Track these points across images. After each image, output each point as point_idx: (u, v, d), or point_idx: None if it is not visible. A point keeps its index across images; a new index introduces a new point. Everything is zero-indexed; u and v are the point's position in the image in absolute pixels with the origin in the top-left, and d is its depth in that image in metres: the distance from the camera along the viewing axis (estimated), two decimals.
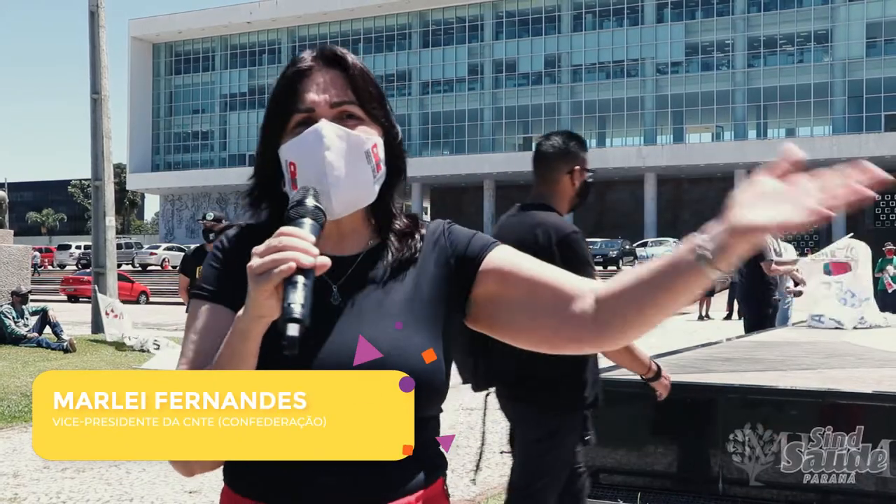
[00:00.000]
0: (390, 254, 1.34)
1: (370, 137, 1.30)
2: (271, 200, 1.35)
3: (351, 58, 1.33)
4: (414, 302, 1.30)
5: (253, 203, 1.38)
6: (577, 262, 2.98)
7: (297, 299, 1.06)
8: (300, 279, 1.08)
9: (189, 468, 1.23)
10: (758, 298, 8.79)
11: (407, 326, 1.28)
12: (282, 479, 1.22)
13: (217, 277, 1.32)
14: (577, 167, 3.27)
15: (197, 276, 7.34)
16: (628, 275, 1.25)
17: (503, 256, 1.35)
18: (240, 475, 1.26)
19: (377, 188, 1.32)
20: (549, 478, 3.12)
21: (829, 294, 8.12)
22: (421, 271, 1.34)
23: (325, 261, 1.11)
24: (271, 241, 1.10)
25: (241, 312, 1.15)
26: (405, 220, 1.38)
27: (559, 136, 3.31)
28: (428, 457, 1.29)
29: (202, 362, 1.23)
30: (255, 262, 1.10)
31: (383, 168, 1.32)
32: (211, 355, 1.21)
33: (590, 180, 3.33)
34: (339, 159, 1.25)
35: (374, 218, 1.37)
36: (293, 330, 1.04)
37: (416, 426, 1.23)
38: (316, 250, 1.10)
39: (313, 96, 1.29)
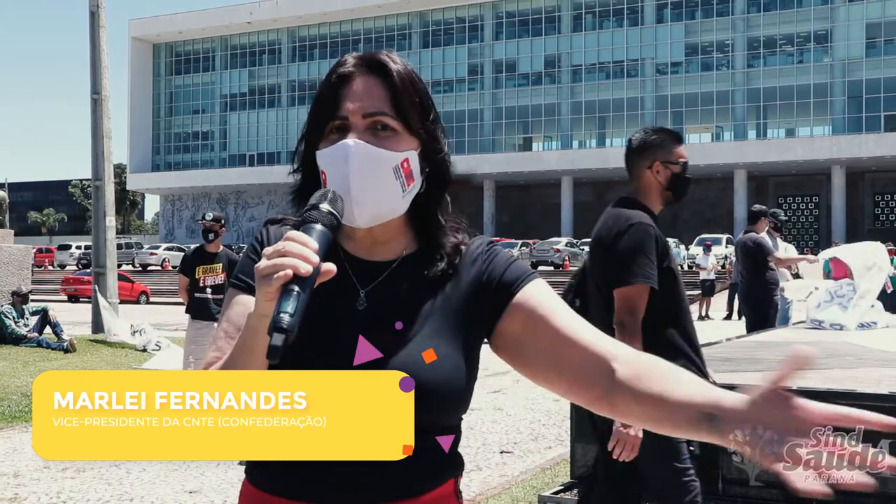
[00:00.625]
0: (425, 264, 1.34)
1: (399, 153, 1.28)
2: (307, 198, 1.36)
3: (394, 65, 1.32)
4: (437, 312, 1.31)
5: (295, 200, 1.38)
6: (625, 253, 3.02)
7: (287, 308, 1.06)
8: (295, 288, 1.08)
9: None
10: (759, 298, 8.80)
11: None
12: (300, 474, 1.24)
13: (246, 268, 1.34)
14: (659, 161, 3.21)
15: (196, 276, 7.33)
16: (655, 383, 1.24)
17: (536, 296, 1.33)
18: (259, 468, 1.30)
19: (407, 201, 1.31)
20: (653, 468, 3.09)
21: (827, 299, 8.12)
22: (454, 285, 1.34)
23: (329, 267, 1.11)
24: (278, 245, 1.11)
25: (252, 310, 1.17)
26: (457, 236, 1.37)
27: (642, 131, 3.27)
28: (440, 457, 1.30)
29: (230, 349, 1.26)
30: (261, 263, 1.11)
31: (416, 181, 1.31)
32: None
33: (680, 173, 3.30)
34: (362, 176, 1.25)
35: (414, 228, 1.37)
36: (277, 339, 1.04)
37: (433, 433, 1.27)
38: (316, 258, 1.10)
39: (348, 104, 1.29)
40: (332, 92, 1.30)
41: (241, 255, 1.45)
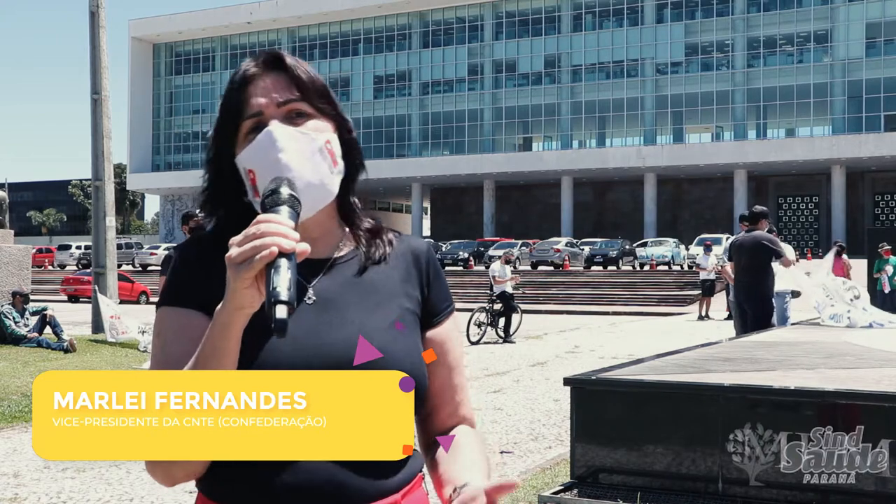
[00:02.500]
0: (363, 253, 1.34)
1: (323, 133, 1.29)
2: (226, 209, 1.34)
3: (289, 58, 1.33)
4: (394, 302, 1.32)
5: (210, 213, 1.37)
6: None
7: (283, 283, 1.03)
8: (283, 262, 1.05)
9: (171, 476, 1.21)
10: (768, 295, 8.84)
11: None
12: (260, 483, 1.20)
13: (179, 284, 1.29)
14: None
15: None
16: (441, 449, 1.34)
17: (447, 333, 1.40)
18: (216, 480, 1.24)
19: (337, 182, 1.30)
20: None
21: (835, 297, 8.25)
22: (398, 276, 1.36)
23: (306, 247, 1.08)
24: (249, 230, 1.07)
25: (219, 307, 1.12)
26: (368, 220, 1.39)
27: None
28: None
29: (174, 367, 1.20)
30: (233, 251, 1.07)
31: (340, 163, 1.31)
32: (182, 360, 1.18)
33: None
34: (294, 159, 1.23)
35: (340, 216, 1.37)
36: (281, 312, 1.01)
37: None
38: (296, 234, 1.08)
39: (259, 99, 1.28)
40: (238, 95, 1.30)
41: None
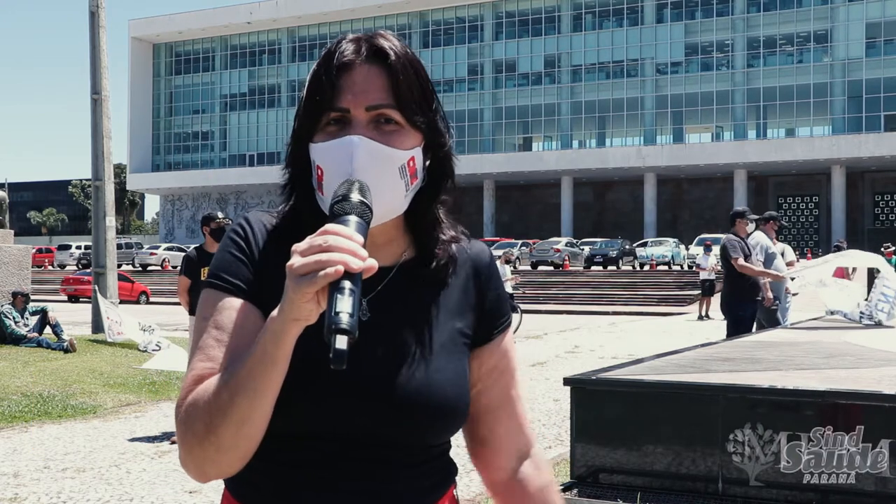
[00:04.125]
0: (426, 269, 1.26)
1: (405, 152, 1.19)
2: (301, 193, 1.25)
3: (396, 52, 1.22)
4: (442, 321, 1.25)
5: (288, 197, 1.27)
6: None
7: (345, 308, 0.95)
8: (347, 284, 0.97)
9: (204, 473, 1.16)
10: (726, 304, 8.74)
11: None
12: (290, 499, 1.18)
13: (238, 269, 1.21)
14: None
15: (201, 277, 7.25)
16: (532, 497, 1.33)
17: (507, 343, 1.34)
18: (246, 482, 1.21)
19: (408, 200, 1.22)
20: None
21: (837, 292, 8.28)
22: (456, 292, 1.29)
23: (373, 263, 1.00)
24: (316, 240, 1.00)
25: (275, 313, 1.05)
26: (451, 233, 1.30)
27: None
28: (441, 468, 1.27)
29: (223, 361, 1.14)
30: (296, 260, 0.99)
31: (419, 179, 1.23)
32: (233, 354, 1.13)
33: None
34: (368, 175, 1.14)
35: (411, 228, 1.28)
36: (342, 343, 0.94)
37: (433, 448, 1.24)
38: (364, 252, 1.00)
39: (349, 96, 1.18)
40: (328, 81, 1.19)
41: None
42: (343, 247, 0.98)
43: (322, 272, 0.97)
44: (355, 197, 1.07)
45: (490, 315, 1.31)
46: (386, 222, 1.21)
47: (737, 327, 8.52)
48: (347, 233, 1.00)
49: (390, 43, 1.23)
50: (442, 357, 1.22)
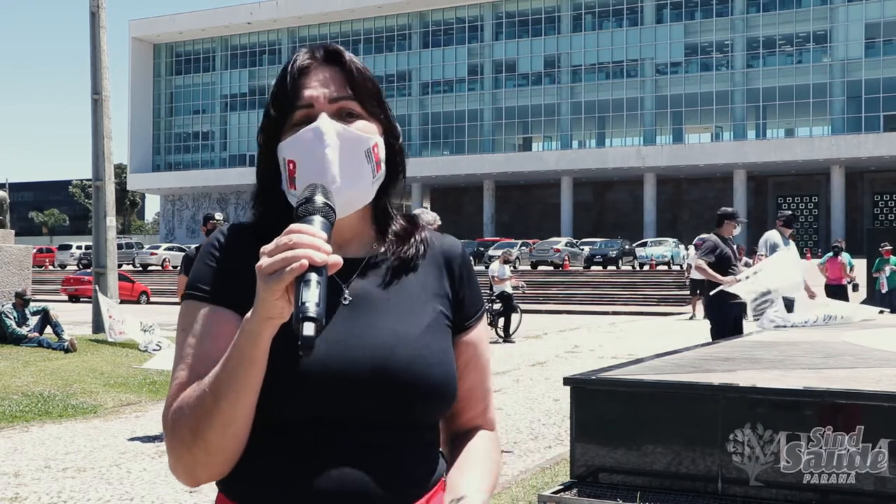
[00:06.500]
0: (393, 256, 1.32)
1: (371, 136, 1.27)
2: (271, 200, 1.31)
3: (348, 55, 1.31)
4: (422, 305, 1.30)
5: (256, 205, 1.34)
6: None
7: (312, 298, 1.01)
8: (313, 277, 1.03)
9: (195, 477, 1.19)
10: (721, 302, 8.58)
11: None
12: (284, 488, 1.19)
13: (214, 277, 1.26)
14: None
15: None
16: (458, 451, 1.36)
17: (478, 336, 1.39)
18: (239, 480, 1.22)
19: (375, 188, 1.29)
20: None
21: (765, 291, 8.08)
22: (431, 279, 1.34)
23: (338, 259, 1.06)
24: (281, 239, 1.06)
25: (249, 314, 1.10)
26: (402, 222, 1.37)
27: None
28: (430, 458, 1.29)
29: (205, 367, 1.18)
30: (264, 261, 1.05)
31: (383, 168, 1.29)
32: (214, 360, 1.16)
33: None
34: (339, 157, 1.22)
35: (375, 220, 1.34)
36: (309, 329, 0.99)
37: (425, 430, 1.26)
38: (328, 247, 1.06)
39: (312, 92, 1.27)
40: (292, 83, 1.27)
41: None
42: (307, 242, 1.05)
43: (288, 268, 1.03)
44: (319, 199, 1.13)
45: (464, 304, 1.37)
46: (352, 216, 1.28)
47: (720, 329, 8.34)
48: (311, 230, 1.07)
49: (341, 48, 1.33)
50: (427, 335, 1.27)
